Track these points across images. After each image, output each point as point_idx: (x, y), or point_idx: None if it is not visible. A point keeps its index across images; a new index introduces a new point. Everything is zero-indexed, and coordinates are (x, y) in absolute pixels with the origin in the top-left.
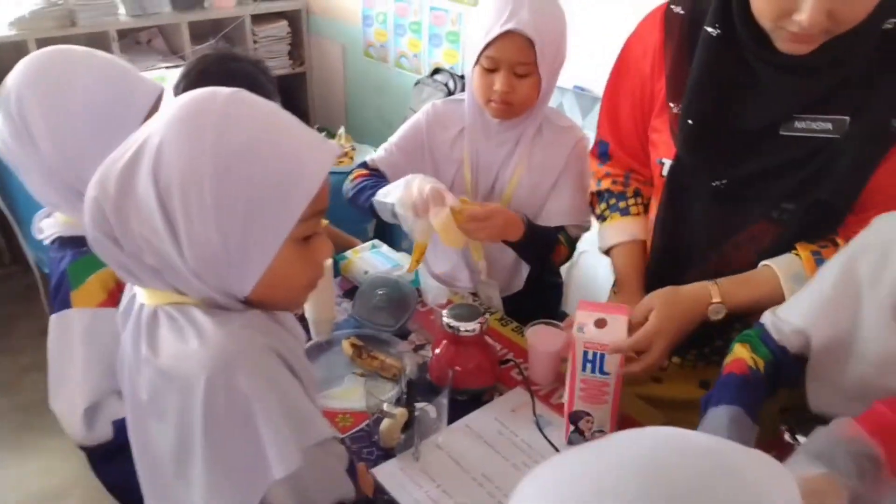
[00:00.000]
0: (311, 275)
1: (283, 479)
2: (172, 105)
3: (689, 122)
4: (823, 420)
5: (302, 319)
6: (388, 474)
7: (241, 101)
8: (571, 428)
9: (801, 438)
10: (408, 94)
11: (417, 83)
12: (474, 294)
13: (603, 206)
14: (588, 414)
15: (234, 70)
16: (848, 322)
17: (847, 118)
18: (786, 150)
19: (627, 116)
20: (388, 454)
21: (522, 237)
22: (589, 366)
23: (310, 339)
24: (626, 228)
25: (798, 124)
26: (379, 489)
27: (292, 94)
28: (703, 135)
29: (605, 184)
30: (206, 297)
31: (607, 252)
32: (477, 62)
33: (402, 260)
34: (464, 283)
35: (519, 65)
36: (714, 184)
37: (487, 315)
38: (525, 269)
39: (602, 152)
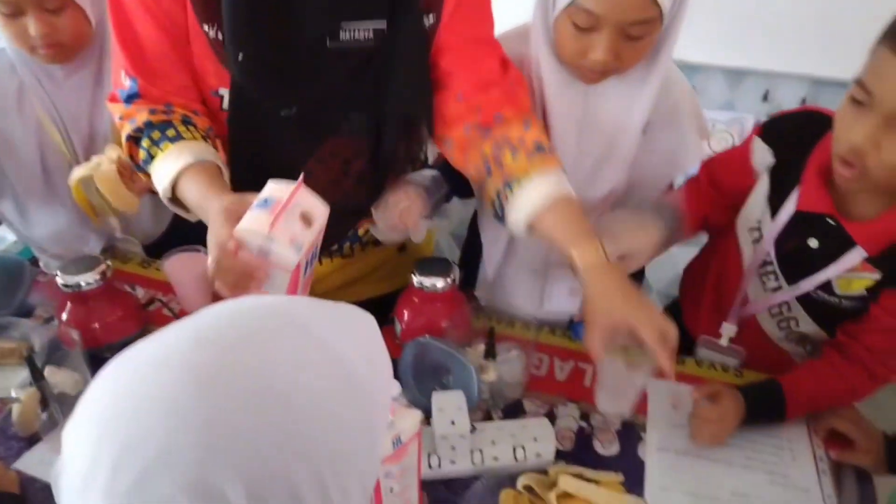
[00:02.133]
0: None
1: None
2: None
3: (240, 56)
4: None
5: None
6: (34, 462)
7: None
8: None
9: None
10: None
11: None
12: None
13: (146, 142)
14: None
15: None
16: None
17: (384, 24)
18: (339, 63)
19: (155, 44)
20: (35, 441)
21: None
22: (309, 268)
23: None
24: (186, 150)
25: (343, 35)
26: (28, 481)
27: None
28: (259, 66)
29: (142, 118)
30: None
31: (174, 200)
32: None
33: (4, 231)
34: (88, 247)
35: None
36: (283, 113)
37: (108, 263)
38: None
39: (130, 94)
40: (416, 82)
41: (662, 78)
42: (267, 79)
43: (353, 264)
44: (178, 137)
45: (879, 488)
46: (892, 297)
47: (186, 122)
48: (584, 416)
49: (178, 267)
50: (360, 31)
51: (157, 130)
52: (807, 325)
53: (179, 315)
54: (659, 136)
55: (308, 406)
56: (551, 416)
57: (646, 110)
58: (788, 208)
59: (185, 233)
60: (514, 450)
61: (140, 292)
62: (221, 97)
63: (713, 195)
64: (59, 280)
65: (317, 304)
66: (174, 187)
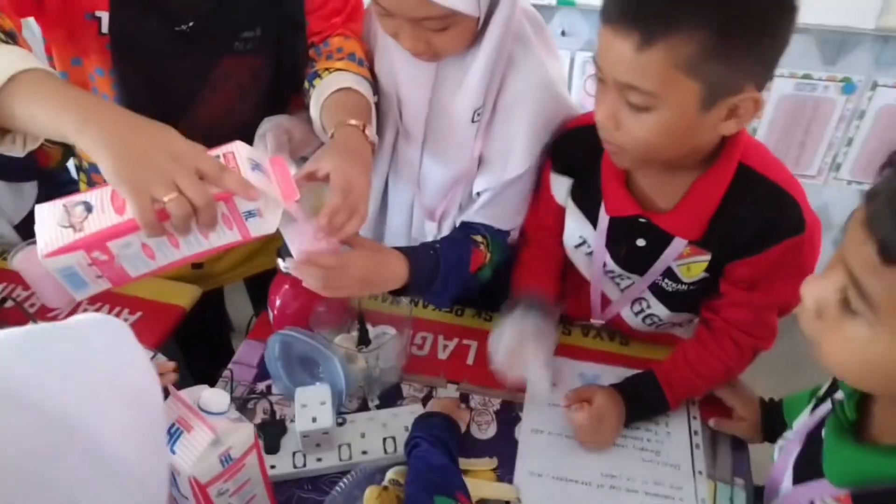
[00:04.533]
0: None
1: None
2: None
3: None
4: None
5: None
6: None
7: None
8: None
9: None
10: None
11: None
12: None
13: None
14: None
15: None
16: None
17: None
18: None
19: None
20: None
21: None
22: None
23: None
24: (27, 55)
25: None
26: None
27: None
28: None
29: None
30: None
31: None
32: None
33: None
34: None
35: None
36: (178, 28)
37: None
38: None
39: None
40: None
41: (490, 66)
42: None
43: None
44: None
45: (754, 456)
46: (733, 270)
47: (12, 36)
48: (464, 398)
49: (33, 261)
50: None
51: None
52: (668, 317)
53: (37, 316)
54: (495, 128)
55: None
56: (430, 400)
57: (470, 97)
58: (603, 218)
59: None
60: (385, 441)
61: None
62: (98, 19)
63: (549, 231)
64: None
65: (23, 338)
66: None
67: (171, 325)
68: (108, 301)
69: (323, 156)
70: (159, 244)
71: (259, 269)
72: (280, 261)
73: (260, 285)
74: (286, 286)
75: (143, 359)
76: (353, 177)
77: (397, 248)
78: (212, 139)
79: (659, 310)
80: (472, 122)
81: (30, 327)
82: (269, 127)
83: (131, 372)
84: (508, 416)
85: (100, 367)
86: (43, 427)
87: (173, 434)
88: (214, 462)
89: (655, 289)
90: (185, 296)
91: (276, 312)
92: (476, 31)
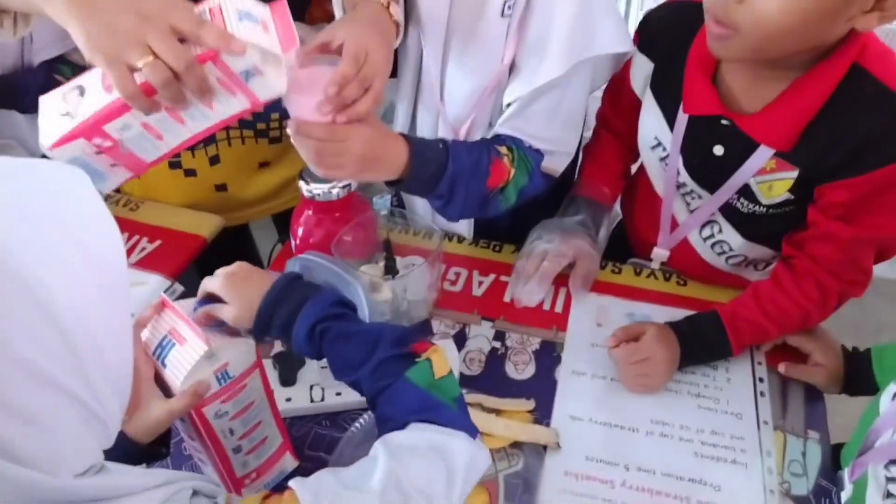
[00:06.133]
0: None
1: None
2: None
3: None
4: None
5: None
6: None
7: None
8: None
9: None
10: None
11: None
12: None
13: None
14: None
15: None
16: None
17: None
18: None
19: None
20: None
21: None
22: None
23: None
24: None
25: None
26: None
27: None
28: None
29: None
30: None
31: None
32: None
33: None
34: None
35: None
36: None
37: None
38: None
39: None
40: None
41: None
42: None
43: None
44: None
45: (830, 409)
46: (826, 193)
47: None
48: (499, 336)
49: None
50: None
51: None
52: (741, 246)
53: None
54: (529, 26)
55: None
56: (462, 337)
57: None
58: (681, 116)
59: None
60: None
61: None
62: None
63: (623, 127)
64: None
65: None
66: None
67: (190, 255)
68: (126, 229)
69: (337, 25)
70: (161, 122)
71: (287, 206)
72: (302, 182)
73: (289, 222)
74: (309, 212)
75: (105, 214)
76: (369, 46)
77: (403, 135)
78: None
79: (731, 236)
80: (502, 16)
81: None
82: None
83: (93, 228)
84: (548, 356)
85: (57, 213)
86: None
87: (165, 346)
88: (209, 378)
89: (729, 210)
90: (206, 226)
91: (297, 241)
92: None
